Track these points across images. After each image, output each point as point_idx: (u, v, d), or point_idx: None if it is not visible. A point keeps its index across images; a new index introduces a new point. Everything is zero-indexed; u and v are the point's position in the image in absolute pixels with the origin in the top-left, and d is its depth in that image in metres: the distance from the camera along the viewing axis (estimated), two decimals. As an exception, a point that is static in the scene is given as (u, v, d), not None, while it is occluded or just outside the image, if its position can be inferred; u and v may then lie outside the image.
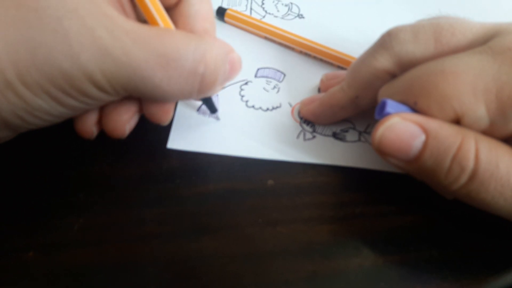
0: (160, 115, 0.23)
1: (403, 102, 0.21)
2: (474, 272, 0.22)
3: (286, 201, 0.24)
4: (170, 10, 0.24)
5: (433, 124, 0.19)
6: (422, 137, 0.19)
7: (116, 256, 0.22)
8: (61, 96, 0.19)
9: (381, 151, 0.21)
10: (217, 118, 0.28)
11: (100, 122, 0.23)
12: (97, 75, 0.19)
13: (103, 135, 0.25)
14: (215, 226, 0.23)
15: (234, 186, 0.25)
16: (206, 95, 0.23)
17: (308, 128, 0.28)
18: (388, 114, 0.20)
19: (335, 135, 0.27)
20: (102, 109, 0.23)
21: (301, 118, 0.28)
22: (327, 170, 0.26)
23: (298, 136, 0.27)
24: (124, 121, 0.23)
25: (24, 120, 0.20)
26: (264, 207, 0.24)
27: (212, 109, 0.27)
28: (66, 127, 0.24)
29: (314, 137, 0.27)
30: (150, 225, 0.23)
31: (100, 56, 0.19)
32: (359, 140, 0.27)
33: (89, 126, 0.23)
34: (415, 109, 0.20)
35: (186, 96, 0.22)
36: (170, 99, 0.22)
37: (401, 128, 0.20)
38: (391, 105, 0.20)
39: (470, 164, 0.19)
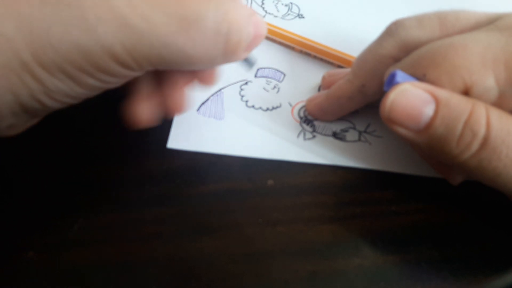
0: (211, 75, 0.23)
1: (412, 75, 0.21)
2: (474, 272, 0.22)
3: (286, 201, 0.24)
4: None
5: (443, 92, 0.19)
6: (432, 104, 0.19)
7: (116, 256, 0.22)
8: (80, 74, 0.18)
9: (391, 119, 0.20)
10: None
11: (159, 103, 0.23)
12: (117, 48, 0.18)
13: (103, 135, 0.25)
14: (215, 226, 0.23)
15: (234, 186, 0.25)
16: (232, 59, 0.22)
17: (308, 127, 0.28)
18: (397, 83, 0.20)
19: (335, 135, 0.27)
20: (163, 89, 0.23)
21: (301, 117, 0.28)
22: (327, 170, 0.26)
23: (298, 136, 0.27)
24: (186, 93, 0.23)
25: (42, 103, 0.19)
26: (264, 207, 0.24)
27: (250, 64, 0.24)
28: (66, 127, 0.24)
29: (314, 136, 0.27)
30: (150, 225, 0.23)
31: (118, 27, 0.18)
32: (359, 140, 0.27)
33: (150, 112, 0.22)
34: (424, 82, 0.20)
35: (213, 60, 0.21)
36: (198, 65, 0.21)
37: (412, 94, 0.20)
38: (400, 76, 0.20)
39: (481, 129, 0.18)
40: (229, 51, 0.21)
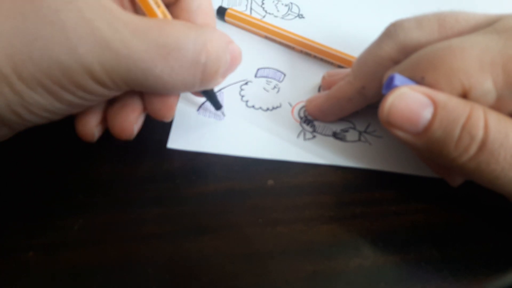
0: (163, 111, 0.23)
1: (410, 78, 0.21)
2: (474, 272, 0.22)
3: (286, 201, 0.24)
4: (171, 5, 0.24)
5: (442, 96, 0.19)
6: (431, 108, 0.19)
7: (116, 256, 0.22)
8: (59, 90, 0.19)
9: (390, 122, 0.20)
10: (223, 114, 0.27)
11: (102, 124, 0.23)
12: (96, 68, 0.18)
13: (103, 135, 0.25)
14: (215, 226, 0.23)
15: (234, 186, 0.25)
16: (209, 86, 0.22)
17: (308, 128, 0.28)
18: (396, 87, 0.20)
19: (335, 135, 0.27)
20: (107, 111, 0.23)
21: (301, 118, 0.28)
22: (327, 170, 0.26)
23: (298, 136, 0.27)
24: (132, 121, 0.22)
25: (21, 116, 0.19)
26: (264, 207, 0.24)
27: (217, 106, 0.26)
28: (66, 127, 0.24)
29: (314, 137, 0.27)
30: (150, 225, 0.23)
31: (99, 48, 0.18)
32: (359, 140, 0.27)
33: (90, 128, 0.23)
34: (422, 85, 0.20)
35: (188, 87, 0.21)
36: (172, 91, 0.22)
37: (410, 98, 0.20)
38: (399, 79, 0.20)
39: (479, 132, 0.18)
40: (206, 79, 0.21)
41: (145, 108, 0.23)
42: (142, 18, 0.20)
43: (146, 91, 0.22)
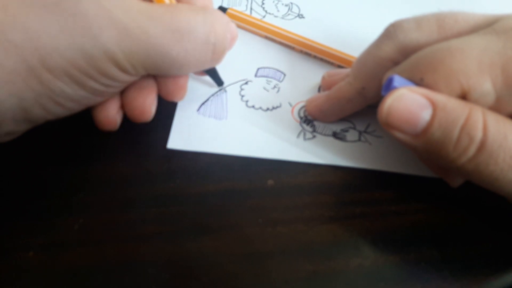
0: (176, 91, 0.24)
1: (409, 79, 0.21)
2: (474, 272, 0.22)
3: (286, 201, 0.24)
4: None
5: (440, 97, 0.19)
6: (429, 109, 0.19)
7: (116, 256, 0.22)
8: (84, 78, 0.20)
9: (389, 124, 0.20)
10: (224, 91, 0.29)
11: (121, 110, 0.24)
12: (118, 55, 0.20)
13: (103, 135, 0.25)
14: (215, 226, 0.23)
15: (234, 186, 0.25)
16: (216, 63, 0.25)
17: (308, 128, 0.28)
18: (394, 88, 0.20)
19: (335, 135, 0.27)
20: (125, 97, 0.24)
21: (301, 117, 0.28)
22: (327, 170, 0.26)
23: (298, 136, 0.27)
24: (150, 103, 0.24)
25: (46, 108, 0.20)
26: (264, 207, 0.24)
27: (219, 82, 0.28)
28: (66, 127, 0.24)
29: (314, 137, 0.27)
30: (150, 225, 0.23)
31: (119, 36, 0.19)
32: (359, 140, 0.27)
33: (112, 115, 0.24)
34: (421, 86, 0.20)
35: (200, 66, 0.24)
36: (187, 71, 0.24)
37: (409, 99, 0.20)
38: (398, 81, 0.20)
39: (478, 134, 0.18)
40: (215, 58, 0.24)
41: (158, 90, 0.25)
42: (152, 5, 0.21)
43: (161, 74, 0.23)
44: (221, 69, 0.28)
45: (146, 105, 0.24)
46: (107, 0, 0.19)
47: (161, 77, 0.24)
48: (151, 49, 0.20)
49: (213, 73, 0.28)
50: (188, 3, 0.24)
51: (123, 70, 0.21)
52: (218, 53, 0.23)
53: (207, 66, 0.24)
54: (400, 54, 0.23)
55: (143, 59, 0.21)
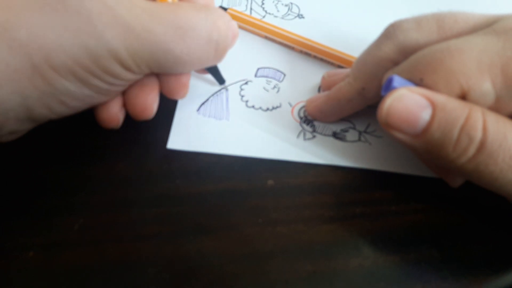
0: (178, 89, 0.24)
1: (409, 80, 0.21)
2: (474, 272, 0.22)
3: (286, 201, 0.24)
4: None
5: (440, 97, 0.19)
6: (429, 109, 0.19)
7: (116, 256, 0.22)
8: (88, 76, 0.20)
9: (389, 124, 0.20)
10: (226, 90, 0.29)
11: (123, 108, 0.24)
12: (122, 53, 0.20)
13: (103, 135, 0.25)
14: (215, 226, 0.23)
15: (234, 186, 0.25)
16: (219, 61, 0.25)
17: (308, 128, 0.28)
18: (394, 88, 0.20)
19: (335, 135, 0.27)
20: (127, 94, 0.24)
21: (301, 118, 0.28)
22: (327, 170, 0.26)
23: (298, 136, 0.27)
24: (152, 100, 0.24)
25: (50, 108, 0.20)
26: (264, 207, 0.24)
27: (221, 80, 0.28)
28: (66, 127, 0.24)
29: (314, 137, 0.27)
30: (150, 225, 0.23)
31: (123, 34, 0.19)
32: (359, 140, 0.27)
33: (114, 112, 0.24)
34: (421, 86, 0.20)
35: (203, 64, 0.24)
36: (190, 69, 0.24)
37: (409, 99, 0.20)
38: (397, 81, 0.20)
39: (478, 134, 0.18)
40: (218, 55, 0.24)
41: (160, 88, 0.25)
42: (155, 3, 0.21)
43: (164, 72, 0.23)
44: (221, 69, 0.28)
45: (148, 103, 0.24)
46: None
47: (163, 75, 0.24)
48: (155, 47, 0.20)
49: (215, 71, 0.28)
50: (190, 1, 0.24)
51: (127, 68, 0.21)
52: (221, 50, 0.23)
53: (210, 64, 0.24)
54: (400, 54, 0.23)
55: (147, 58, 0.21)
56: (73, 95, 0.20)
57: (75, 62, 0.19)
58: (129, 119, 0.25)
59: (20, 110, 0.19)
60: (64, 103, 0.21)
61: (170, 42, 0.21)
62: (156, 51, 0.21)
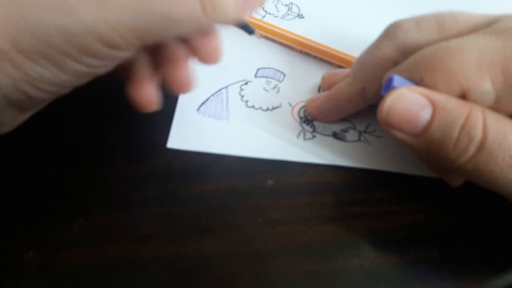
0: (213, 53, 0.22)
1: (409, 79, 0.21)
2: (474, 272, 0.22)
3: (286, 201, 0.24)
4: None
5: (440, 97, 0.19)
6: (429, 109, 0.19)
7: (116, 256, 0.22)
8: (63, 59, 0.18)
9: (389, 123, 0.20)
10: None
11: (161, 83, 0.23)
12: (101, 26, 0.17)
13: (103, 135, 0.25)
14: (215, 226, 0.23)
15: (234, 186, 0.25)
16: (220, 16, 0.20)
17: (308, 128, 0.28)
18: (394, 88, 0.20)
19: (335, 135, 0.27)
20: (163, 70, 0.22)
21: (301, 118, 0.28)
22: (327, 170, 0.26)
23: (298, 136, 0.27)
24: (190, 73, 0.22)
25: (27, 94, 0.18)
26: (264, 207, 0.24)
27: (249, 30, 0.24)
28: (66, 127, 0.24)
29: (314, 137, 0.27)
30: (150, 225, 0.23)
31: (99, 3, 0.17)
32: (359, 140, 0.27)
33: (151, 94, 0.22)
34: (421, 86, 0.20)
35: (197, 20, 0.19)
36: (183, 29, 0.20)
37: (409, 99, 0.20)
38: (397, 80, 0.20)
39: (478, 133, 0.18)
40: (209, 12, 0.19)
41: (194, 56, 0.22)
42: None
43: (160, 40, 0.20)
44: (221, 69, 0.28)
45: (188, 77, 0.22)
46: None
47: (191, 43, 0.21)
48: (138, 9, 0.17)
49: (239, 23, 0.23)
50: None
51: (111, 45, 0.18)
52: (209, 5, 0.19)
53: (204, 22, 0.19)
54: (400, 54, 0.23)
55: (132, 25, 0.17)
56: (49, 81, 0.18)
57: (45, 44, 0.17)
58: (129, 119, 0.25)
59: None
60: (41, 89, 0.18)
61: (155, 0, 0.18)
62: (140, 14, 0.17)
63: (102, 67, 0.19)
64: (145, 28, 0.18)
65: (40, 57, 0.17)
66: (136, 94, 0.22)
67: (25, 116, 0.21)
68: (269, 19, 0.34)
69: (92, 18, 0.17)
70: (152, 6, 0.18)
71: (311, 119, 0.28)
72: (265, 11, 0.35)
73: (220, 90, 0.29)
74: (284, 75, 0.30)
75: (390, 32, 0.23)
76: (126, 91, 0.22)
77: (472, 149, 0.19)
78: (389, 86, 0.20)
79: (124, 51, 0.19)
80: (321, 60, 0.31)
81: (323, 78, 0.29)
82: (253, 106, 0.28)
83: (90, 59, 0.18)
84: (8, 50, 0.17)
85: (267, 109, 0.28)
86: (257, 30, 0.32)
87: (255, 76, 0.30)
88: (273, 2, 0.36)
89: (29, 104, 0.20)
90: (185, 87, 0.23)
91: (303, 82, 0.30)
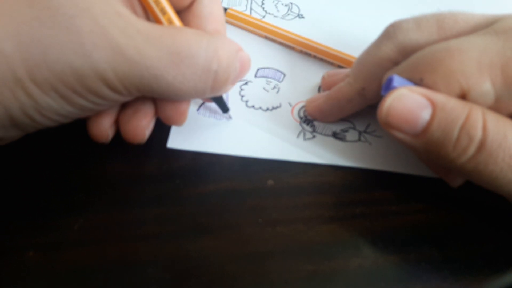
0: (175, 117, 0.23)
1: (409, 80, 0.21)
2: (474, 272, 0.22)
3: (286, 201, 0.24)
4: (183, 12, 0.24)
5: (440, 97, 0.19)
6: (429, 109, 0.19)
7: (116, 256, 0.22)
8: (71, 95, 0.19)
9: (389, 124, 0.20)
10: (229, 118, 0.27)
11: (115, 124, 0.24)
12: (109, 74, 0.19)
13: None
14: (215, 226, 0.23)
15: (234, 186, 0.25)
16: (219, 93, 0.23)
17: (308, 128, 0.28)
18: (394, 88, 0.20)
19: (335, 135, 0.27)
20: (120, 115, 0.23)
21: (301, 118, 0.28)
22: (327, 170, 0.26)
23: (298, 136, 0.27)
24: (144, 126, 0.23)
25: (33, 119, 0.20)
26: (264, 207, 0.24)
27: (224, 108, 0.26)
28: (66, 127, 0.24)
29: (314, 137, 0.27)
30: (150, 225, 0.23)
31: (112, 55, 0.19)
32: (359, 140, 0.27)
33: (104, 129, 0.23)
34: (421, 86, 0.20)
35: (200, 94, 0.22)
36: (184, 97, 0.22)
37: (409, 99, 0.20)
38: (397, 81, 0.20)
39: (478, 133, 0.19)
40: (216, 86, 0.22)
41: (156, 113, 0.24)
42: (154, 26, 0.20)
43: (158, 97, 0.22)
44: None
45: (139, 129, 0.23)
46: (105, 17, 0.19)
47: (160, 100, 0.23)
48: (146, 72, 0.19)
49: (217, 100, 0.26)
50: (199, 27, 0.23)
51: (114, 90, 0.20)
52: (220, 82, 0.22)
53: (208, 95, 0.22)
54: (400, 54, 0.23)
55: (136, 81, 0.20)
56: (56, 111, 0.20)
57: (58, 80, 0.18)
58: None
59: (3, 118, 0.19)
60: (46, 117, 0.20)
61: (162, 67, 0.19)
62: (146, 75, 0.19)
63: (105, 105, 0.21)
64: (148, 88, 0.20)
65: (51, 90, 0.19)
66: (92, 125, 0.23)
67: (23, 134, 0.22)
68: (269, 19, 0.34)
69: (103, 66, 0.19)
70: (159, 73, 0.20)
71: (311, 119, 0.28)
72: (265, 11, 0.35)
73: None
74: (284, 75, 0.30)
75: (390, 32, 0.23)
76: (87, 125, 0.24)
77: (472, 149, 0.19)
78: (389, 86, 0.20)
79: (126, 97, 0.21)
80: (321, 60, 0.31)
81: (323, 78, 0.29)
82: (253, 106, 0.28)
83: (95, 97, 0.20)
84: (23, 79, 0.18)
85: (267, 109, 0.28)
86: (257, 30, 0.32)
87: (255, 76, 0.30)
88: (273, 2, 0.36)
89: (32, 128, 0.21)
90: (134, 139, 0.23)
91: (303, 82, 0.30)
